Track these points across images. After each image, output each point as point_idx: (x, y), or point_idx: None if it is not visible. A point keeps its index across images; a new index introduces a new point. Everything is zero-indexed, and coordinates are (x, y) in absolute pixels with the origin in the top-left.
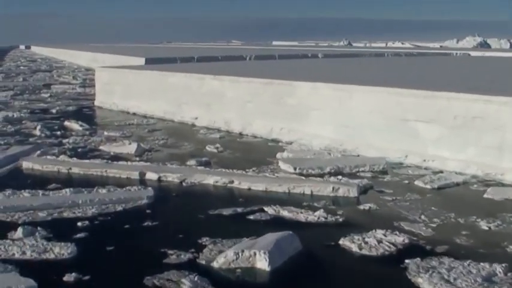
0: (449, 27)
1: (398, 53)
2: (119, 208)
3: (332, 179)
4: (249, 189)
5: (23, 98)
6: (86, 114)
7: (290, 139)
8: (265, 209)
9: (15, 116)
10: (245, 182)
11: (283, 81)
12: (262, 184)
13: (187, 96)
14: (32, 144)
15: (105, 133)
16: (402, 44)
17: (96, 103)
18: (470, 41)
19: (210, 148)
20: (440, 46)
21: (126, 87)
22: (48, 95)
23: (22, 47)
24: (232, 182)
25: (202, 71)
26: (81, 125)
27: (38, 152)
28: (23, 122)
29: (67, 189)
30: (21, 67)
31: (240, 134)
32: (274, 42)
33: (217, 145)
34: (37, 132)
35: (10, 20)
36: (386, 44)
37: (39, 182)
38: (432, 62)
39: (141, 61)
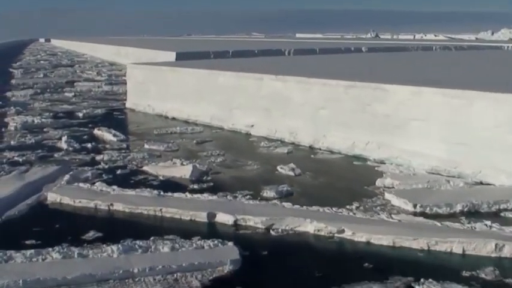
0: (477, 19)
1: (447, 46)
2: (194, 282)
3: (478, 225)
4: (368, 243)
5: (43, 98)
6: (117, 119)
7: (380, 157)
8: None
9: (35, 121)
10: (360, 231)
11: (370, 84)
12: (386, 236)
13: (241, 99)
14: (57, 163)
15: (146, 146)
16: (435, 36)
17: (128, 105)
18: (506, 33)
19: (283, 170)
20: (476, 38)
21: (164, 87)
22: (72, 94)
23: (42, 40)
24: (342, 231)
25: (249, 68)
26: (114, 135)
27: (67, 176)
28: (45, 129)
29: (113, 246)
30: (41, 61)
31: (311, 147)
32: (298, 35)
33: (292, 165)
34: (63, 145)
35: (30, 14)
36: (414, 37)
37: (72, 228)
38: (501, 57)
39: (171, 56)
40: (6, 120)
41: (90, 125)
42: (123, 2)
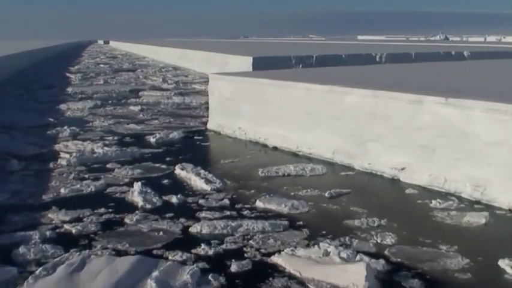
0: None
1: None
2: None
3: None
4: None
5: (105, 113)
6: (201, 148)
7: None
8: None
9: (96, 151)
10: None
11: None
12: None
13: (382, 128)
14: (131, 241)
15: (259, 203)
16: None
17: (211, 126)
18: None
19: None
20: None
21: (263, 105)
22: (139, 108)
23: (100, 42)
24: None
25: (367, 81)
26: (205, 179)
27: (156, 274)
28: (109, 166)
29: None
30: (101, 65)
31: None
32: (360, 37)
33: None
34: (136, 198)
35: (89, 14)
36: (485, 39)
37: None
38: None
39: (246, 61)
40: (57, 147)
41: (168, 158)
42: (175, 4)
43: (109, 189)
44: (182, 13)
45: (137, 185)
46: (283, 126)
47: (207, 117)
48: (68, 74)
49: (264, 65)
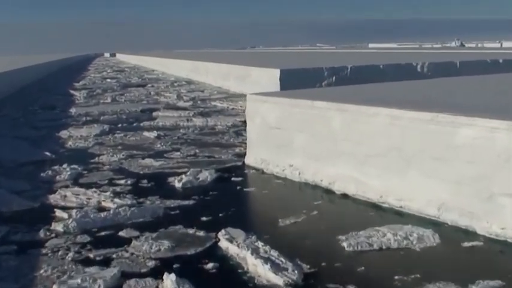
0: None
1: None
2: None
3: None
4: None
5: (114, 143)
6: (245, 197)
7: None
8: None
9: (103, 206)
10: None
11: None
12: None
13: None
14: None
15: None
16: None
17: (250, 161)
18: None
19: None
20: None
21: (324, 137)
22: (155, 134)
23: (107, 54)
24: None
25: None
26: (272, 264)
27: None
28: (123, 235)
29: None
30: (108, 79)
31: None
32: (371, 45)
33: None
34: None
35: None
36: (502, 45)
37: None
38: None
39: (271, 74)
40: (52, 200)
41: (204, 217)
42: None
43: (126, 285)
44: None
45: (170, 279)
46: (357, 167)
47: (241, 146)
48: (72, 91)
49: (294, 79)
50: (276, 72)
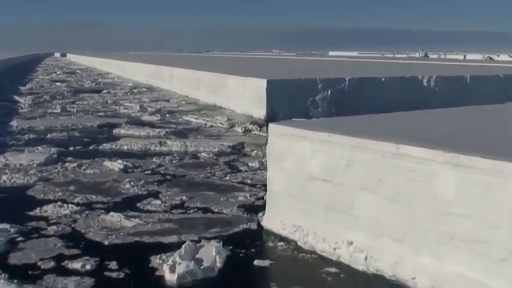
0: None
1: None
2: None
3: None
4: None
5: (64, 180)
6: None
7: None
8: None
9: None
10: None
11: None
12: None
13: None
14: None
15: None
16: (510, 57)
17: (273, 225)
18: None
19: None
20: None
21: (418, 206)
22: (120, 166)
23: (57, 54)
24: None
25: None
26: None
27: None
28: None
29: None
30: (58, 83)
31: None
32: (331, 53)
33: None
34: None
35: (44, 27)
36: (465, 57)
37: None
38: None
39: (254, 85)
40: None
41: None
42: (136, 18)
43: None
44: (142, 26)
45: None
46: (489, 267)
47: (243, 189)
48: (16, 97)
49: (283, 91)
50: (262, 83)
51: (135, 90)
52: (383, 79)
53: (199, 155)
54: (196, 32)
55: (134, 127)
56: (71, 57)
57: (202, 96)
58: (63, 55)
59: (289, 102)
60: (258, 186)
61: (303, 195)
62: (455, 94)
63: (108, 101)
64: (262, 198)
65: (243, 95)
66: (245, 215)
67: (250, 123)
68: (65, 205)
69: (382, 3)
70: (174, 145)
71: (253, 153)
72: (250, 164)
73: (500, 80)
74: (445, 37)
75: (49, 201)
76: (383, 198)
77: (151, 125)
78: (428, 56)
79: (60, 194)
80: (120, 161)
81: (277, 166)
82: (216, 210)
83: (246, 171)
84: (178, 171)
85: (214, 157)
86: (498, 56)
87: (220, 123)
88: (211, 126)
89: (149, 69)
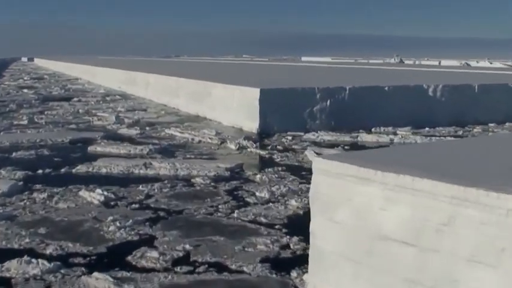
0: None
1: None
2: None
3: None
4: None
5: (32, 218)
6: None
7: None
8: None
9: None
10: None
11: None
12: None
13: None
14: None
15: None
16: (490, 63)
17: None
18: None
19: None
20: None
21: None
22: (100, 197)
23: (24, 59)
24: None
25: None
26: None
27: None
28: None
29: None
30: (25, 89)
31: None
32: (304, 58)
33: None
34: None
35: (9, 29)
36: (440, 63)
37: None
38: None
39: (245, 94)
40: None
41: None
42: (104, 22)
43: None
44: (110, 31)
45: None
46: None
47: (259, 232)
48: None
49: (277, 102)
50: (254, 93)
51: (108, 98)
52: (386, 88)
53: (193, 180)
54: (165, 36)
55: (112, 143)
56: (39, 61)
57: (182, 105)
58: (31, 59)
59: (284, 114)
60: (276, 227)
61: (370, 260)
62: (464, 103)
63: (80, 111)
64: (288, 246)
65: (231, 105)
66: (274, 275)
67: (244, 139)
68: (34, 260)
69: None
70: (162, 167)
71: (257, 178)
72: (257, 193)
73: (510, 89)
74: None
75: (13, 253)
76: (509, 278)
77: (130, 140)
78: (403, 62)
79: (27, 240)
80: (99, 190)
81: (327, 216)
82: (233, 267)
83: (255, 203)
84: (173, 204)
85: (212, 184)
86: (478, 62)
87: (209, 138)
88: (200, 141)
89: (122, 74)
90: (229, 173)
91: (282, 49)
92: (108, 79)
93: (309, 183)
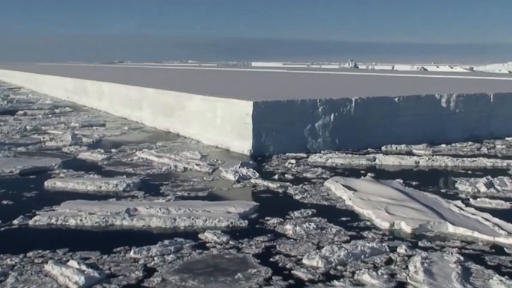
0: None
1: None
2: None
3: None
4: None
5: None
6: None
7: None
8: None
9: None
10: None
11: None
12: None
13: None
14: None
15: None
16: (451, 68)
17: None
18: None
19: None
20: (503, 71)
21: None
22: (78, 278)
23: None
24: None
25: None
26: None
27: None
28: None
29: None
30: None
31: None
32: (254, 63)
33: None
34: None
35: None
36: (393, 67)
37: None
38: None
39: (233, 107)
40: None
41: None
42: (42, 26)
43: None
44: (49, 35)
45: None
46: None
47: None
48: None
49: (272, 117)
50: (246, 107)
51: (57, 111)
52: (396, 99)
53: (201, 237)
54: (106, 41)
55: (74, 174)
56: None
57: (148, 119)
58: None
59: (281, 131)
60: None
61: None
62: (478, 115)
63: (28, 127)
64: None
65: (213, 121)
66: None
67: (241, 165)
68: None
69: (308, 15)
70: (153, 216)
71: (288, 229)
72: (305, 261)
73: None
74: (375, 48)
75: None
76: None
77: (96, 168)
78: (357, 67)
79: None
80: (74, 262)
81: None
82: None
83: (311, 281)
84: (190, 287)
85: (231, 242)
86: (438, 66)
87: (196, 165)
88: (185, 169)
89: (69, 83)
90: (246, 222)
91: (228, 54)
92: (55, 88)
93: (362, 237)
